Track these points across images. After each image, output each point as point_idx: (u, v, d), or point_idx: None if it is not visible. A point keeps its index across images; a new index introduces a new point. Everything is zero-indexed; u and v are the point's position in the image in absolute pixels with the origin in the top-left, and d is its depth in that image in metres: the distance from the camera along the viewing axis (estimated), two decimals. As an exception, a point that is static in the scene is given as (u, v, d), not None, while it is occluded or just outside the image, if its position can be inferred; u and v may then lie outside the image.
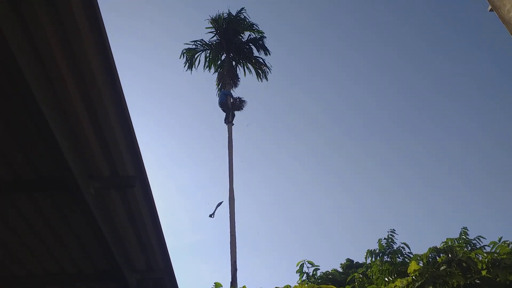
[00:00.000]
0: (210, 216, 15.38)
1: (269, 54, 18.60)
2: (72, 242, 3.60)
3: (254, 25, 18.64)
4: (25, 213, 3.23)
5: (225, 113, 17.26)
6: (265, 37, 18.65)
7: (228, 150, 16.24)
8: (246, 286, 4.91)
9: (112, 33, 2.38)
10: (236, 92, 18.16)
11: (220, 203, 15.47)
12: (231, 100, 17.41)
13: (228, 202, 14.98)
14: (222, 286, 4.95)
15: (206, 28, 18.76)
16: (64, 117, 2.58)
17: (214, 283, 4.95)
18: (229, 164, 15.85)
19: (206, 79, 19.47)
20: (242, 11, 18.65)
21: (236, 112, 17.42)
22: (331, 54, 36.44)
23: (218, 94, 18.72)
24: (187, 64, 18.80)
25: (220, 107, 17.31)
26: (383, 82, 36.76)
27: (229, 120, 17.06)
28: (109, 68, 2.48)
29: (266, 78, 18.91)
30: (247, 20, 18.72)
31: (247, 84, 20.47)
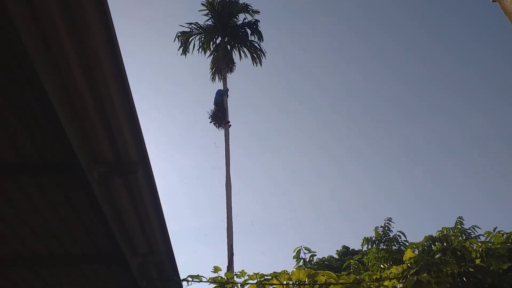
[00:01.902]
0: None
1: (262, 40, 18.41)
2: (76, 225, 3.66)
3: (249, 6, 18.37)
4: (30, 196, 3.28)
5: (220, 115, 16.21)
6: (259, 20, 18.40)
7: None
8: (244, 270, 5.01)
9: (113, 15, 2.39)
10: (231, 78, 17.89)
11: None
12: (227, 97, 16.52)
13: (225, 188, 15.09)
14: (221, 270, 5.05)
15: (200, 11, 18.46)
16: (70, 102, 2.62)
17: (214, 267, 5.04)
18: (225, 151, 15.82)
19: (203, 63, 19.27)
20: None
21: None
22: (332, 41, 36.23)
23: (212, 78, 18.52)
24: (182, 48, 18.57)
25: (215, 106, 16.20)
26: (383, 69, 36.65)
27: (226, 121, 16.06)
28: (114, 54, 2.50)
29: (261, 63, 18.68)
30: (242, 2, 18.43)
31: (244, 67, 20.28)
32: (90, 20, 2.28)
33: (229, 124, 16.24)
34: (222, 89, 16.91)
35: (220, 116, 16.25)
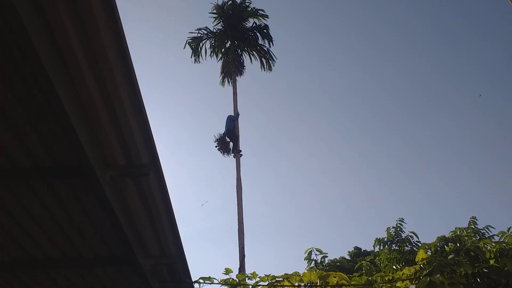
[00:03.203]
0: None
1: (273, 44, 18.38)
2: (89, 228, 3.70)
3: (259, 11, 18.38)
4: (43, 199, 3.33)
5: (231, 143, 15.29)
6: (268, 26, 18.37)
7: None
8: (256, 272, 5.02)
9: (122, 19, 2.41)
10: (241, 81, 17.83)
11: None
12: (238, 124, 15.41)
13: (236, 191, 15.09)
14: (232, 272, 5.06)
15: (210, 13, 18.48)
16: (81, 107, 2.65)
17: (225, 268, 5.05)
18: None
19: (213, 66, 19.27)
20: None
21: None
22: (342, 42, 36.08)
23: (221, 81, 18.52)
24: (193, 54, 18.62)
25: (227, 134, 15.24)
26: (391, 70, 36.36)
27: (237, 150, 15.18)
28: (125, 58, 2.53)
29: (270, 69, 18.65)
30: (252, 7, 18.45)
31: (254, 69, 20.30)
32: (100, 25, 2.31)
33: (241, 153, 15.26)
34: (233, 114, 16.03)
35: (229, 144, 15.34)
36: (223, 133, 15.53)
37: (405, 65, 38.05)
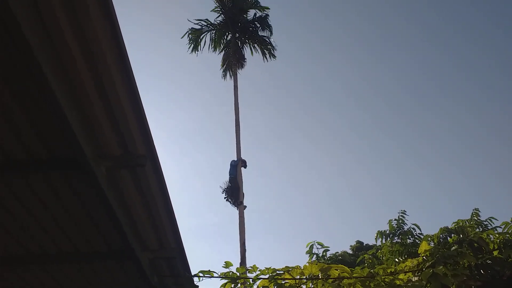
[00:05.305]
0: None
1: (272, 33, 18.26)
2: (86, 221, 3.64)
3: (259, 2, 18.26)
4: (39, 192, 3.27)
5: (231, 187, 14.50)
6: (268, 15, 18.22)
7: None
8: (256, 265, 4.96)
9: (121, 6, 2.35)
10: (242, 73, 17.72)
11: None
12: (241, 169, 14.67)
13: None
14: (232, 265, 5.01)
15: (211, 2, 18.29)
16: (76, 98, 2.59)
17: (225, 262, 5.00)
18: (236, 148, 15.67)
19: (214, 57, 19.07)
20: None
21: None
22: (352, 31, 35.73)
23: (223, 75, 18.38)
24: (192, 45, 18.48)
25: (230, 183, 14.47)
26: (405, 60, 35.85)
27: (240, 201, 14.53)
28: (118, 44, 2.46)
29: (274, 56, 18.56)
30: None
31: (256, 62, 20.14)
32: (95, 20, 2.24)
33: (244, 205, 14.59)
34: (236, 159, 15.21)
35: (233, 193, 14.63)
36: (228, 183, 14.68)
37: (419, 55, 37.52)
